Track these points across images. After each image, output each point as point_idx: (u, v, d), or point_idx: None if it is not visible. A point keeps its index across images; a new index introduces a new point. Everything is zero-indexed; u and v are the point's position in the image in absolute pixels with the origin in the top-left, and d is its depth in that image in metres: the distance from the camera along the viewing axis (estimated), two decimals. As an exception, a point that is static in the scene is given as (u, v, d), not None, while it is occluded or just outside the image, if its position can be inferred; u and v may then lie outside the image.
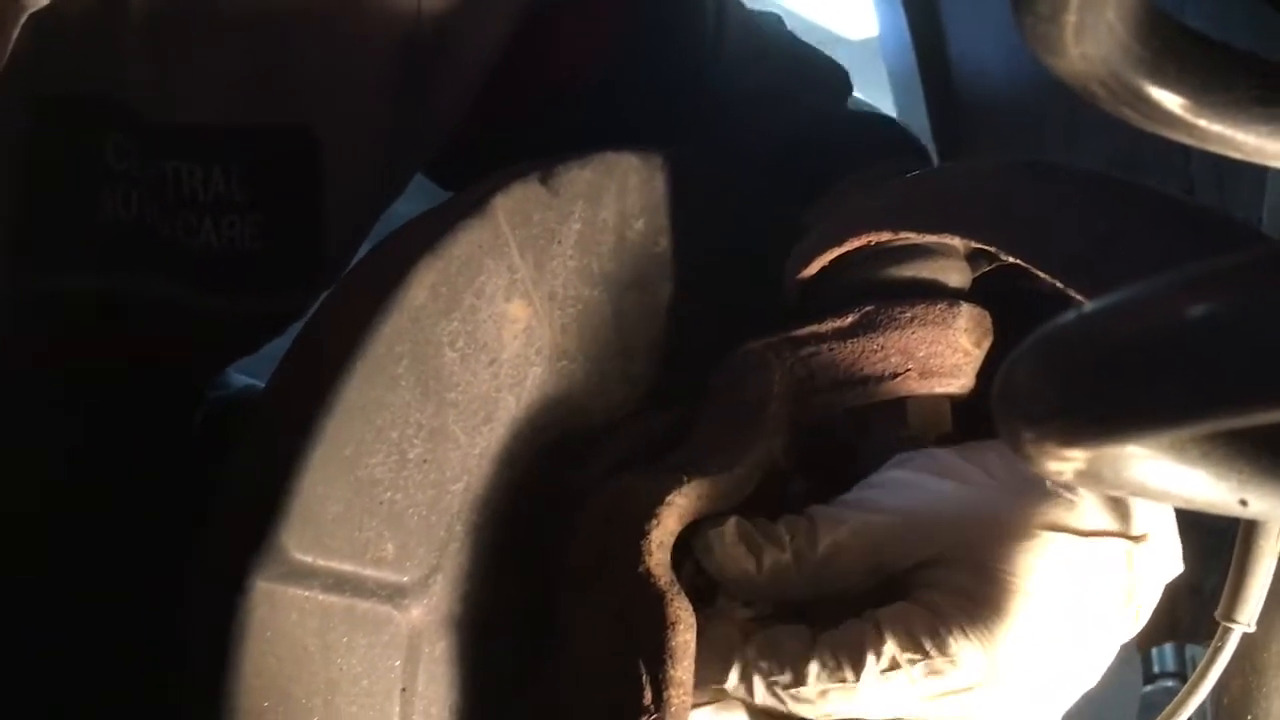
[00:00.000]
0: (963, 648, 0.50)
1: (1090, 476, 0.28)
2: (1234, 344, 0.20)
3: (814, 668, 0.51)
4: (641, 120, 0.71)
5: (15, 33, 0.58)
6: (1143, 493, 0.30)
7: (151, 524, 0.73)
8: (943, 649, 0.50)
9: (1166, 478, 0.29)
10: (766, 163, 0.69)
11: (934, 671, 0.51)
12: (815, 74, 0.80)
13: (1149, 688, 0.97)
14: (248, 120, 0.69)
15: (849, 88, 0.81)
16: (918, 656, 0.50)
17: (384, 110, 0.74)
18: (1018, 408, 0.26)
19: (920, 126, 1.16)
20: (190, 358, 0.76)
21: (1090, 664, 0.54)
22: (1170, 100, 0.32)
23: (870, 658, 0.51)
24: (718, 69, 0.78)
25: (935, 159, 1.19)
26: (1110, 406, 0.23)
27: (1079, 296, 0.48)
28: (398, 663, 0.52)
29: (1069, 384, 0.24)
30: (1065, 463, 0.27)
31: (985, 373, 0.60)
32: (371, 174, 0.76)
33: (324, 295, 0.72)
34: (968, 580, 0.51)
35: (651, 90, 0.78)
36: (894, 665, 0.51)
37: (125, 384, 0.71)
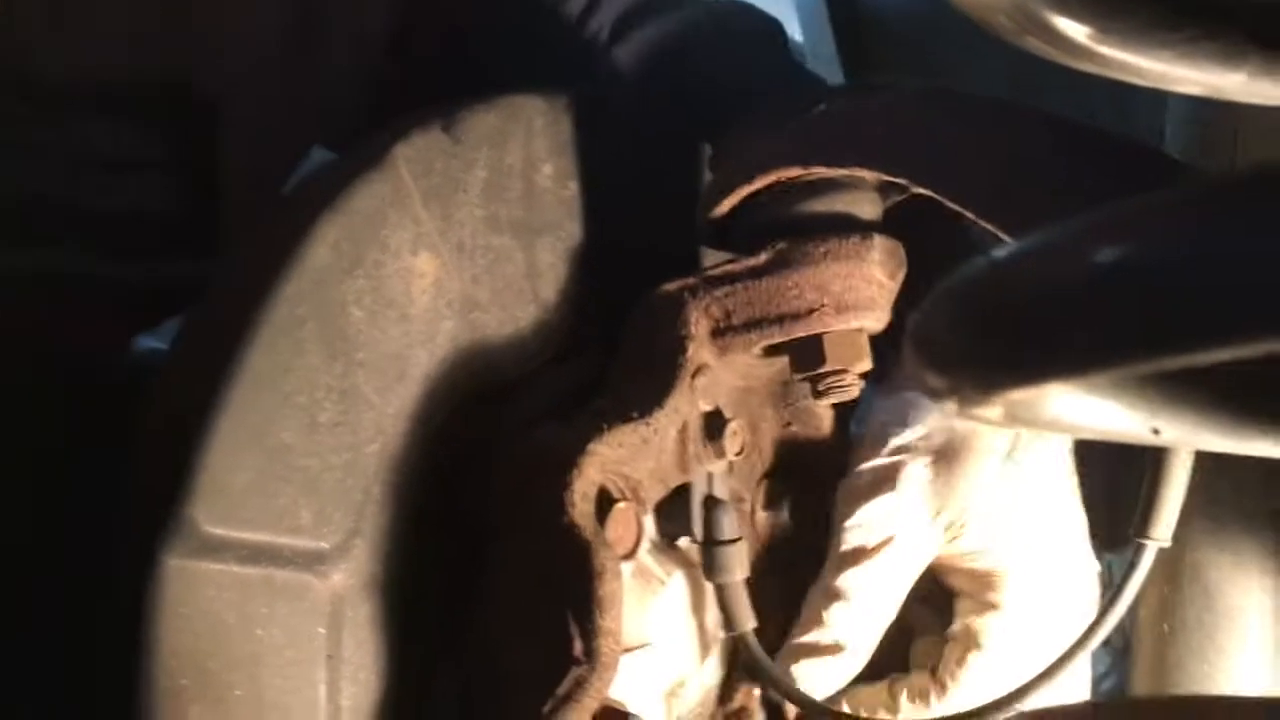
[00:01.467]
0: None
1: (1006, 418, 0.28)
2: (1143, 289, 0.20)
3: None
4: (531, 71, 0.69)
5: None
6: (1057, 428, 0.30)
7: (72, 502, 0.72)
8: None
9: (1081, 413, 0.29)
10: (672, 102, 0.68)
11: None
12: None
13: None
14: (148, 80, 0.67)
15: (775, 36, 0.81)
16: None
17: (278, 68, 0.72)
18: (932, 356, 0.26)
19: (827, 51, 1.15)
20: (94, 330, 0.73)
21: None
22: (1075, 30, 0.31)
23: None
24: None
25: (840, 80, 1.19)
26: (1024, 355, 0.23)
27: (989, 226, 0.48)
28: (321, 630, 0.51)
29: (982, 333, 0.24)
30: (981, 408, 0.27)
31: (900, 304, 0.61)
32: (273, 132, 0.74)
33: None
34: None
35: (533, 40, 0.77)
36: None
37: (45, 363, 0.69)
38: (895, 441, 0.61)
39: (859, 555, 0.61)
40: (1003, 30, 0.32)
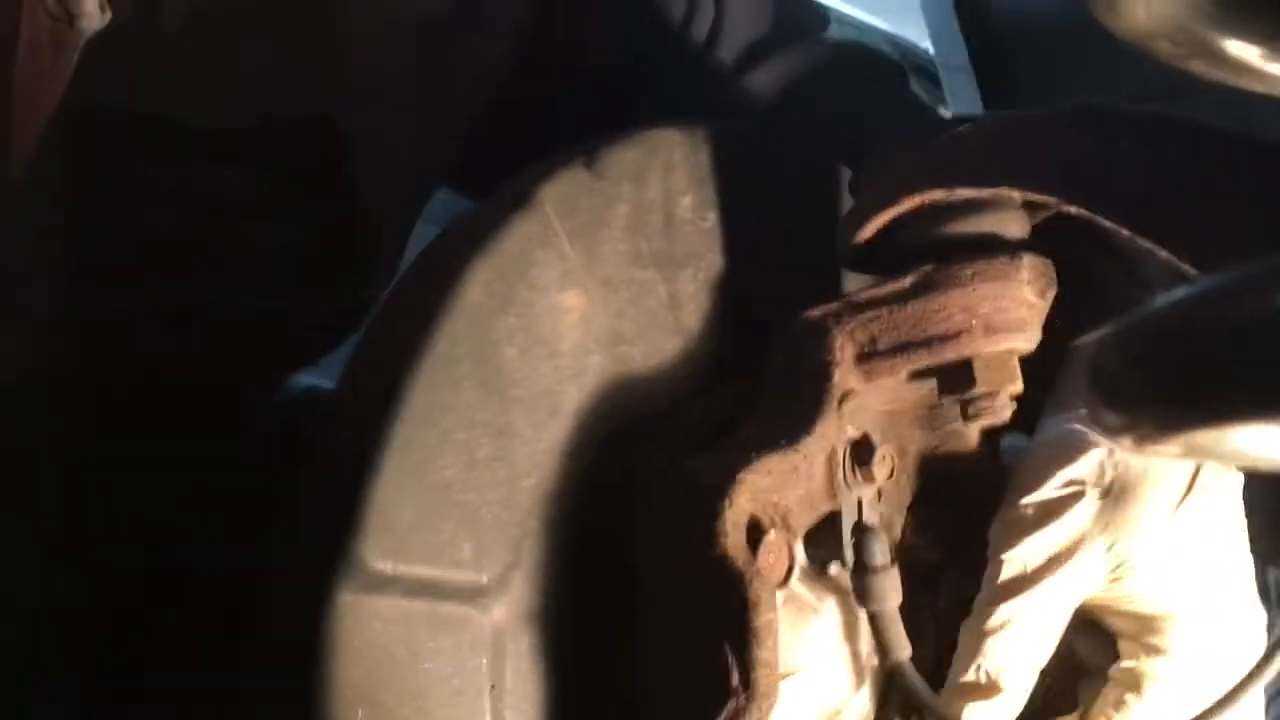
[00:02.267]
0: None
1: (1186, 452, 0.28)
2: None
3: None
4: (659, 104, 0.70)
5: (75, 56, 0.58)
6: (1239, 461, 0.29)
7: (228, 532, 0.75)
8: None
9: (1266, 446, 0.28)
10: (808, 130, 0.68)
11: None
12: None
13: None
14: (279, 121, 0.70)
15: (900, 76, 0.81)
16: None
17: (408, 97, 0.74)
18: (1111, 393, 0.25)
19: (959, 61, 1.13)
20: (246, 370, 0.76)
21: None
22: (1246, 51, 0.30)
23: None
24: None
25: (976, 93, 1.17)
26: (1211, 394, 0.22)
27: (1145, 243, 0.47)
28: (484, 661, 0.52)
29: (1166, 372, 0.23)
30: (1160, 444, 0.26)
31: (1050, 323, 0.59)
32: (402, 165, 0.76)
33: (379, 299, 0.72)
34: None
35: (665, 73, 0.78)
36: None
37: (185, 401, 0.72)
38: (1063, 474, 0.59)
39: (1018, 586, 0.60)
40: (1164, 54, 0.32)
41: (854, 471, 0.59)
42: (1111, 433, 0.26)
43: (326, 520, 0.50)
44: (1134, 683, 0.60)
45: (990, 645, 0.60)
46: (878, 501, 0.62)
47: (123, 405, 0.68)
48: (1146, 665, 0.60)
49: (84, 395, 0.66)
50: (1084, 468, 0.59)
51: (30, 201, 0.62)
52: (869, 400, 0.60)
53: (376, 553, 0.49)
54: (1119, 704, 0.61)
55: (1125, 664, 0.61)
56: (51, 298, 0.64)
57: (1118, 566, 0.59)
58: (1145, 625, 0.61)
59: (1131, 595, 0.60)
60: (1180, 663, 0.60)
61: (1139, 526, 0.58)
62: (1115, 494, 0.58)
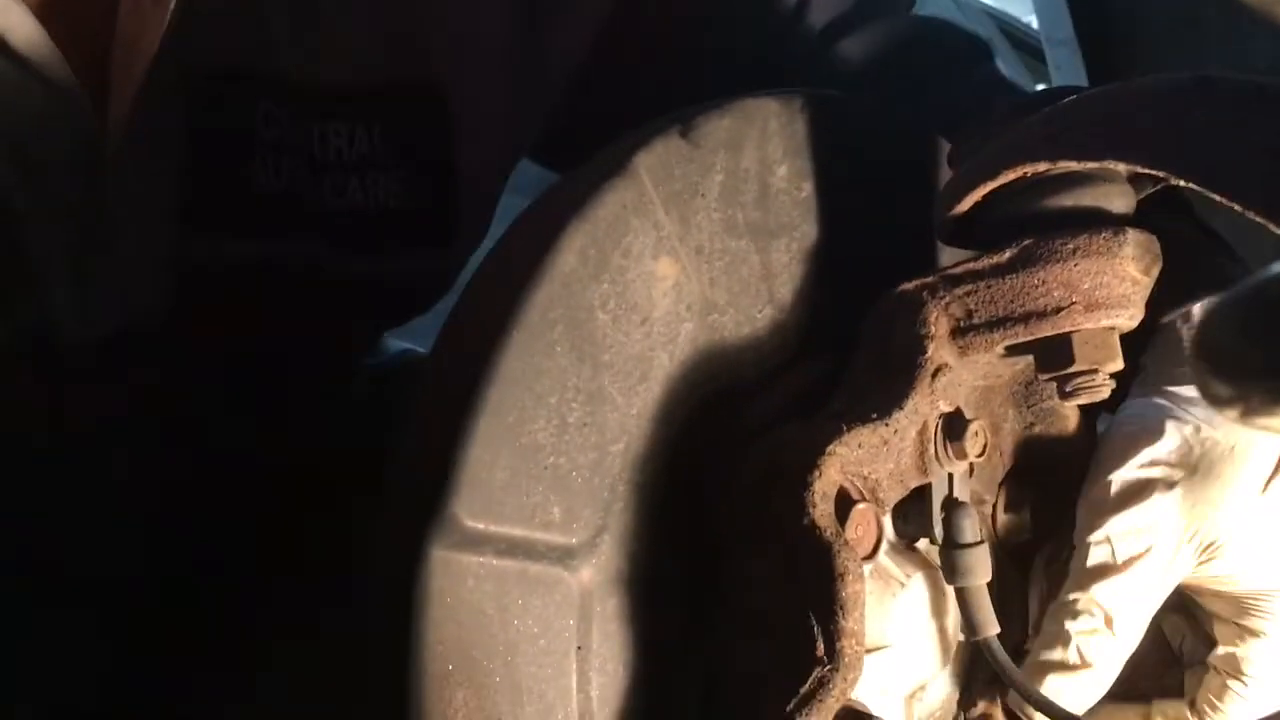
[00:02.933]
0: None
1: (1297, 427, 0.27)
2: None
3: None
4: (745, 75, 0.70)
5: (171, 5, 0.60)
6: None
7: (320, 490, 0.76)
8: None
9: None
10: (901, 101, 0.67)
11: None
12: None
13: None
14: (382, 78, 0.71)
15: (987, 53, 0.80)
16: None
17: (504, 57, 0.75)
18: (1221, 364, 0.25)
19: (1065, 34, 1.11)
20: (342, 325, 0.78)
21: None
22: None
23: None
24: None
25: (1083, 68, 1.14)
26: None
27: (1258, 218, 0.46)
28: (572, 622, 0.53)
29: (1275, 346, 0.23)
30: (1269, 417, 0.26)
31: (1154, 300, 0.58)
32: (498, 123, 0.77)
33: (467, 262, 0.73)
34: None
35: (752, 44, 0.78)
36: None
37: (283, 355, 0.74)
38: (1147, 453, 0.58)
39: (1105, 571, 0.59)
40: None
41: (945, 447, 0.59)
42: (1219, 404, 0.26)
43: (422, 479, 0.51)
44: (1235, 668, 0.59)
45: (1079, 627, 0.59)
46: (969, 478, 0.62)
47: (221, 356, 0.70)
48: (1244, 650, 0.59)
49: (183, 345, 0.68)
50: (1168, 446, 0.58)
51: (133, 151, 0.63)
52: (963, 375, 0.60)
53: (470, 512, 0.50)
54: (1222, 692, 0.59)
55: (1223, 650, 0.60)
56: (153, 247, 0.66)
57: (1207, 547, 0.58)
58: (1239, 607, 0.59)
59: (1222, 576, 0.59)
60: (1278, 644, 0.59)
61: (1226, 505, 0.57)
62: (1201, 473, 0.57)
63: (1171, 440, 0.58)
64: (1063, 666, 0.60)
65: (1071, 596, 0.60)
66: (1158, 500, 0.58)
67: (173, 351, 0.67)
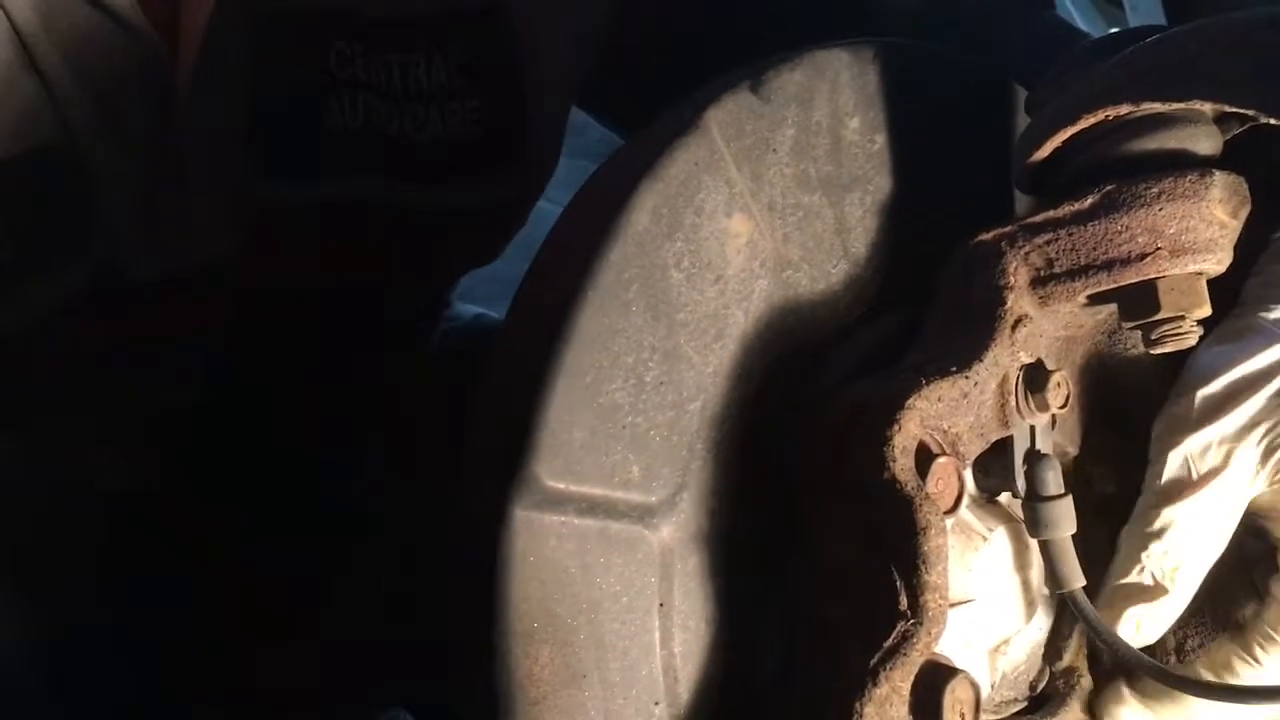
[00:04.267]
0: None
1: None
2: None
3: None
4: (808, 23, 0.69)
5: None
6: None
7: (394, 445, 0.77)
8: None
9: None
10: (972, 48, 0.66)
11: None
12: None
13: None
14: (450, 9, 0.71)
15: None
16: None
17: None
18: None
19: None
20: (420, 263, 0.78)
21: None
22: None
23: None
24: None
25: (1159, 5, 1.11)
26: None
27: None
28: (653, 579, 0.53)
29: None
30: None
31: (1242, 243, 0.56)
32: (560, 43, 0.76)
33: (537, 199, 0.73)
34: None
35: None
36: None
37: (360, 296, 0.74)
38: (1236, 370, 0.57)
39: (1181, 488, 0.58)
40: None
41: (1027, 399, 0.58)
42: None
43: (502, 440, 0.51)
44: None
45: (1155, 548, 0.58)
46: (1051, 429, 0.61)
47: (295, 295, 0.71)
48: None
49: (259, 285, 0.69)
50: (1257, 364, 0.56)
51: (202, 92, 0.64)
52: (1044, 326, 0.59)
53: (550, 472, 0.50)
54: (1278, 622, 0.58)
55: None
56: (224, 187, 0.66)
57: None
58: None
59: None
60: None
61: None
62: None
63: (1261, 360, 0.56)
64: (1140, 591, 0.59)
65: (1146, 517, 0.59)
66: (1239, 415, 0.57)
67: (245, 290, 0.68)
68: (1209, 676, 0.59)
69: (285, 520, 0.78)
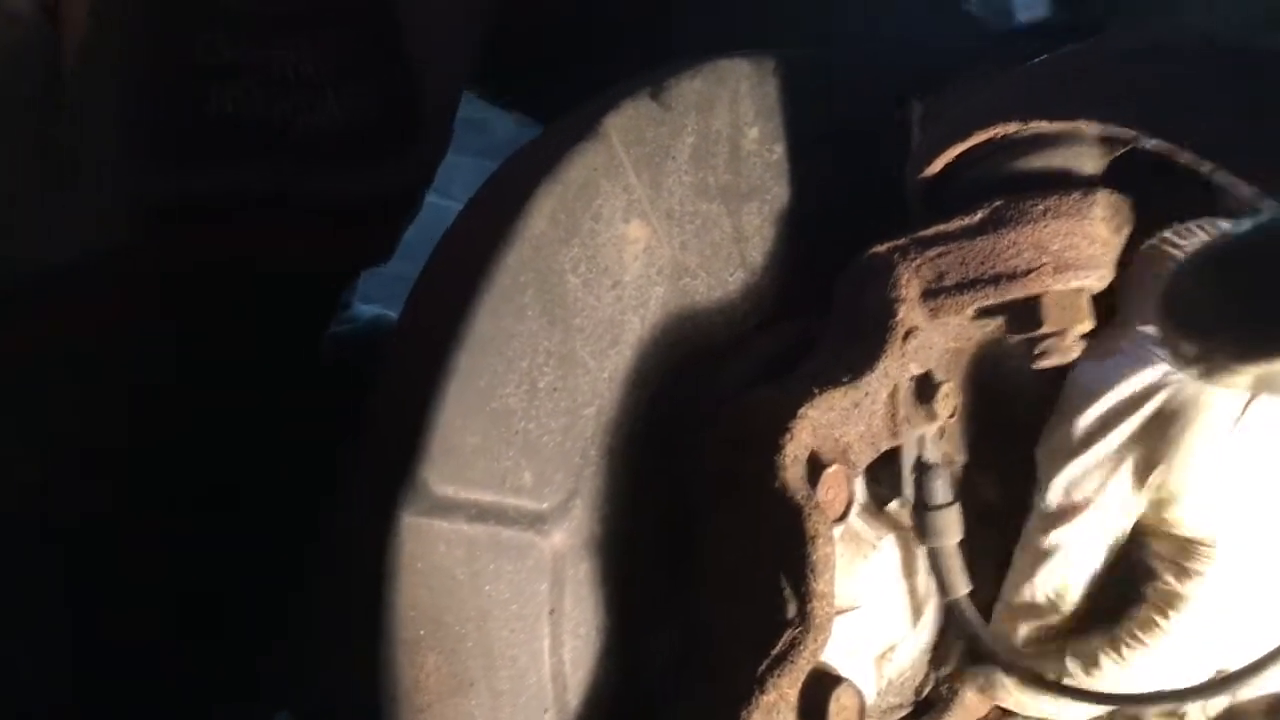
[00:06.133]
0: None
1: (1256, 385, 0.27)
2: None
3: None
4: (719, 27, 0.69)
5: None
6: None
7: (281, 447, 0.75)
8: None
9: (1344, 382, 0.27)
10: (880, 63, 0.67)
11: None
12: None
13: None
14: None
15: None
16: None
17: None
18: (1188, 320, 0.25)
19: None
20: (311, 255, 0.76)
21: None
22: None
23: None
24: None
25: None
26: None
27: (1226, 178, 0.46)
28: (544, 586, 0.53)
29: (1250, 300, 0.23)
30: (1234, 375, 0.26)
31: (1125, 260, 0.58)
32: (448, 30, 0.75)
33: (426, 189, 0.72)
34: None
35: None
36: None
37: (256, 290, 0.72)
38: (1108, 398, 0.59)
39: (1064, 514, 0.60)
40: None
41: (917, 409, 0.59)
42: (1185, 362, 0.26)
43: (392, 445, 0.50)
44: (1167, 604, 0.59)
45: (1043, 570, 0.61)
46: (940, 439, 0.62)
47: (183, 288, 0.69)
48: (1180, 586, 0.59)
49: (145, 276, 0.67)
50: (1129, 389, 0.58)
51: (91, 90, 0.62)
52: (934, 337, 0.60)
53: (440, 477, 0.49)
54: (1149, 626, 0.60)
55: (1159, 584, 0.60)
56: (111, 178, 0.64)
57: (1159, 488, 0.59)
58: (1184, 549, 0.60)
59: (1173, 520, 0.60)
60: (1214, 588, 0.59)
61: (1183, 452, 0.58)
62: (1163, 419, 0.58)
63: (1130, 387, 0.59)
64: (1030, 609, 0.61)
65: (1035, 540, 0.61)
66: (1113, 442, 0.59)
67: (137, 285, 0.66)
68: (1077, 668, 0.61)
69: (189, 522, 0.76)
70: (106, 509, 0.71)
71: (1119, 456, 0.59)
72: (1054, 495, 0.61)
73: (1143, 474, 0.58)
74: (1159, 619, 0.60)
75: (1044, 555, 0.61)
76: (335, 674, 0.52)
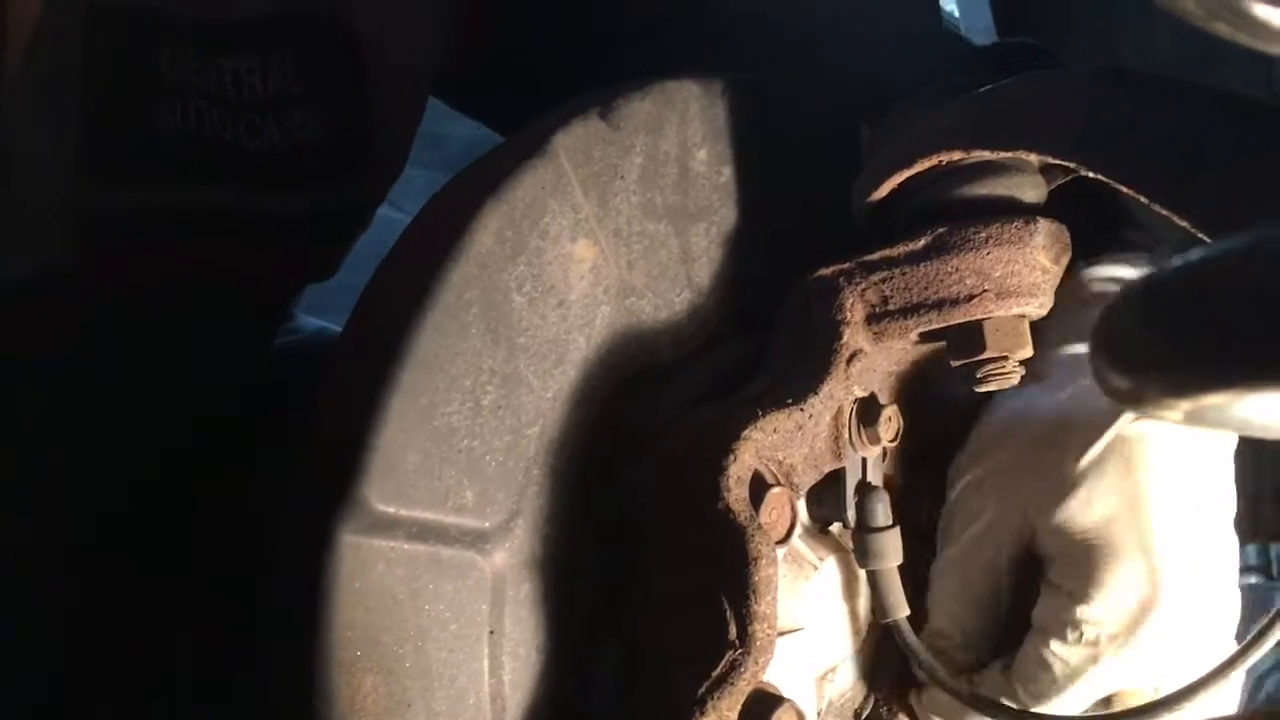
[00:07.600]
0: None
1: (1189, 419, 0.27)
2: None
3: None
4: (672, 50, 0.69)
5: None
6: (1246, 430, 0.29)
7: (224, 465, 0.74)
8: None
9: (1270, 415, 0.28)
10: (830, 85, 0.67)
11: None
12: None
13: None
14: (287, 12, 0.69)
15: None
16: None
17: None
18: (1120, 355, 0.25)
19: (984, 24, 1.12)
20: (260, 275, 0.75)
21: None
22: (1269, 12, 0.30)
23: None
24: None
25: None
26: (1218, 362, 0.22)
27: (1164, 211, 0.47)
28: (484, 606, 0.52)
29: (1181, 335, 0.23)
30: (1166, 410, 0.26)
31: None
32: (405, 46, 0.75)
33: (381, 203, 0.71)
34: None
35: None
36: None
37: (199, 308, 0.71)
38: (994, 419, 0.62)
39: (947, 538, 0.64)
40: (1189, 15, 0.31)
41: (859, 431, 0.59)
42: (1117, 397, 0.26)
43: (332, 462, 0.50)
44: (1053, 628, 0.59)
45: (934, 595, 0.63)
46: (882, 462, 0.63)
47: (129, 309, 0.67)
48: (1071, 611, 0.59)
49: (90, 295, 0.65)
50: (1010, 410, 0.61)
51: (32, 94, 0.61)
52: (877, 361, 0.60)
53: (380, 495, 0.49)
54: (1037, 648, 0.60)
55: (1045, 602, 0.61)
56: (53, 193, 0.63)
57: (1029, 514, 0.60)
58: (1064, 571, 0.60)
59: (1043, 546, 0.61)
60: (1104, 611, 0.59)
61: (1044, 478, 0.59)
62: (1024, 446, 0.60)
63: (1013, 407, 0.61)
64: (938, 633, 0.63)
65: (936, 563, 0.64)
66: (989, 464, 0.61)
67: (75, 302, 0.65)
68: (1020, 689, 0.62)
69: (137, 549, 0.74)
70: (28, 541, 0.70)
71: (994, 480, 0.60)
72: (945, 518, 0.63)
73: (1012, 499, 0.60)
74: (1055, 645, 0.60)
75: (934, 579, 0.63)
76: (271, 694, 0.51)
